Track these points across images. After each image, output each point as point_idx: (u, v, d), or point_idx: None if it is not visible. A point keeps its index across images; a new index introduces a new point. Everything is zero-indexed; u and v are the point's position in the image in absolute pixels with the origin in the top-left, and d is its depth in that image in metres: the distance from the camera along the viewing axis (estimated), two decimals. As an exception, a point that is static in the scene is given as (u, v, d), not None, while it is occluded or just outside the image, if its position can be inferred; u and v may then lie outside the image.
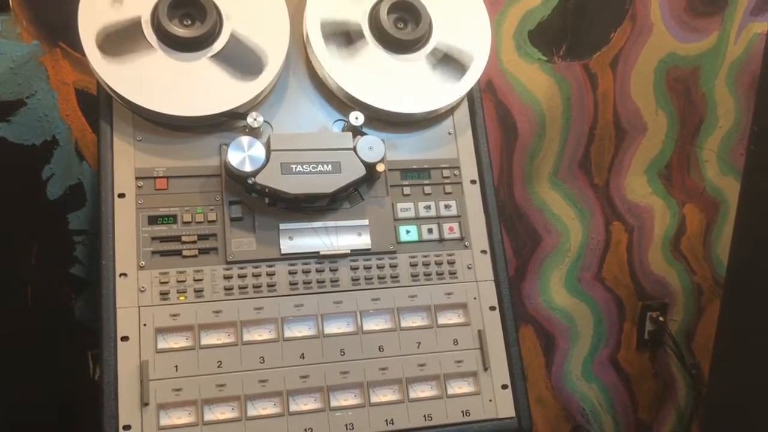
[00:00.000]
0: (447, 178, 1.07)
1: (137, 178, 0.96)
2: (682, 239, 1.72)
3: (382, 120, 1.05)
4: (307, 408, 0.93)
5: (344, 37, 1.03)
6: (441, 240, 1.04)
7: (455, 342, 1.00)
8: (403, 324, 0.99)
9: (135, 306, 0.92)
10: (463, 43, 1.08)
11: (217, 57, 0.97)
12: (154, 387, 0.89)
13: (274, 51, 1.00)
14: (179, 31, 0.95)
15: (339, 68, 1.02)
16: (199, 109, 0.96)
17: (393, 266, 1.01)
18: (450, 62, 1.07)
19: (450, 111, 1.09)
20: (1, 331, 1.28)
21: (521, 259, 1.61)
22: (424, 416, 0.96)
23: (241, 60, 0.98)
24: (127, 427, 0.87)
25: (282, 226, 0.98)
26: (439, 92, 1.06)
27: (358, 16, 1.04)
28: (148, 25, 0.96)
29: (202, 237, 0.96)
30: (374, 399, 0.95)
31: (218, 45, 0.98)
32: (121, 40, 0.95)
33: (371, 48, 1.04)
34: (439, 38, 1.07)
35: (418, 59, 1.06)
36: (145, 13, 0.96)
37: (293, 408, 0.93)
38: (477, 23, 1.09)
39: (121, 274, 0.92)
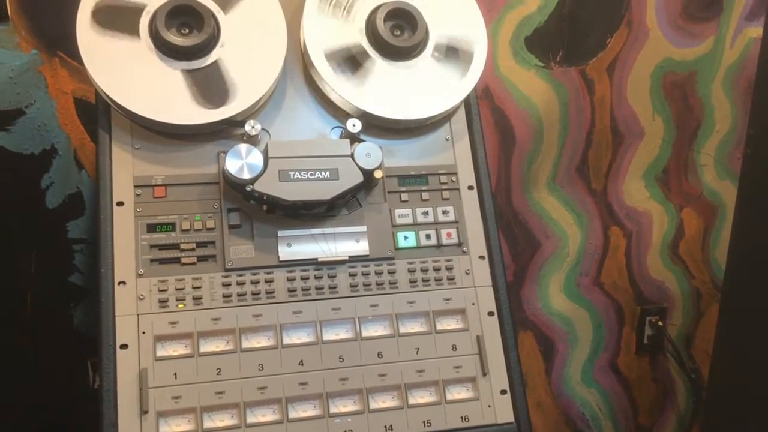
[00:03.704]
0: (444, 184, 1.07)
1: (136, 186, 0.96)
2: (681, 243, 1.72)
3: (379, 127, 1.05)
4: (307, 415, 0.93)
5: (351, 62, 1.03)
6: (439, 246, 1.04)
7: (454, 348, 1.00)
8: (402, 330, 0.99)
9: (134, 314, 0.92)
10: (461, 32, 1.09)
11: (191, 73, 0.97)
12: (154, 395, 0.89)
13: (254, 85, 0.99)
14: (168, 35, 0.96)
15: (356, 92, 1.02)
16: (196, 117, 0.96)
17: (391, 272, 1.01)
18: (455, 54, 1.07)
19: (447, 117, 1.10)
20: (0, 340, 1.28)
21: (520, 265, 1.61)
22: (424, 422, 0.96)
23: (210, 87, 0.97)
24: (126, 435, 0.87)
25: (280, 233, 0.98)
26: (451, 88, 1.06)
27: (357, 37, 1.05)
28: (145, 29, 0.96)
29: (201, 244, 0.96)
30: (373, 405, 0.95)
31: (198, 63, 0.98)
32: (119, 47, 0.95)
33: (379, 63, 1.05)
34: (438, 33, 1.08)
35: (422, 62, 1.06)
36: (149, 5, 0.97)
37: (292, 415, 0.93)
38: (469, 14, 1.10)
39: (119, 282, 0.92)
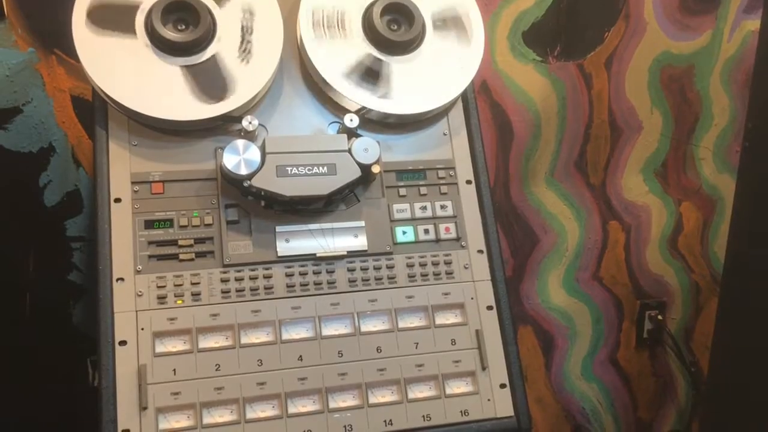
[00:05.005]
0: (443, 178, 1.07)
1: (133, 183, 0.96)
2: (679, 237, 1.72)
3: (377, 122, 1.05)
4: (306, 410, 0.93)
5: (368, 73, 1.03)
6: (437, 240, 1.04)
7: (453, 342, 1.00)
8: (401, 325, 0.99)
9: (132, 310, 0.92)
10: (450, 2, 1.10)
11: (189, 69, 0.97)
12: (153, 391, 0.89)
13: (252, 79, 0.99)
14: (169, 33, 0.96)
15: (375, 100, 1.03)
16: (196, 113, 0.96)
17: (390, 267, 1.01)
18: (454, 24, 1.08)
19: (444, 112, 1.10)
20: (-1, 339, 1.28)
21: (519, 260, 1.61)
22: (423, 416, 0.96)
23: (209, 81, 0.97)
24: (126, 431, 0.87)
25: (278, 228, 0.98)
26: (444, 85, 1.06)
27: (364, 47, 1.04)
28: (141, 27, 0.96)
29: (199, 240, 0.96)
30: (373, 400, 0.95)
31: (196, 59, 0.97)
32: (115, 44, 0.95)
33: (392, 67, 1.05)
34: (432, 10, 1.08)
35: (418, 56, 1.06)
36: (144, 3, 0.97)
37: (292, 410, 0.93)
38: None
39: (118, 279, 0.92)
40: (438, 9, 1.09)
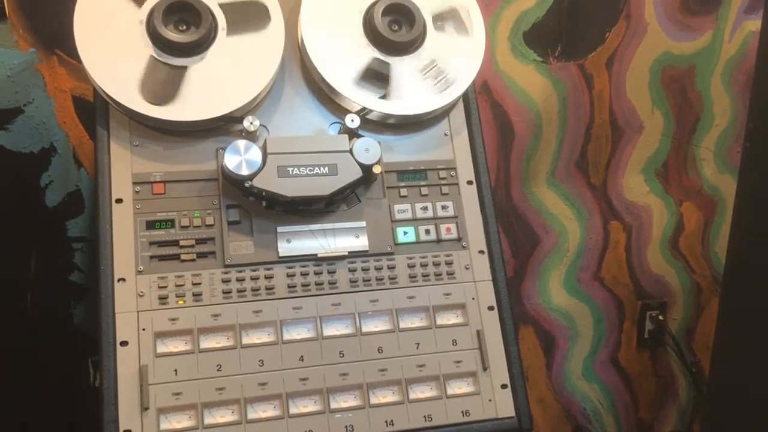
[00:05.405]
0: (444, 179, 1.07)
1: (134, 183, 0.96)
2: (681, 238, 1.72)
3: (378, 122, 1.05)
4: (307, 410, 0.93)
5: (369, 74, 1.04)
6: (438, 241, 1.04)
7: (454, 342, 1.00)
8: (402, 325, 0.99)
9: (134, 311, 0.92)
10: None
11: (194, 68, 0.97)
12: (154, 391, 0.89)
13: (253, 77, 0.99)
14: (174, 36, 0.96)
15: (376, 101, 1.03)
16: (194, 114, 0.96)
17: (391, 267, 1.01)
18: (452, 18, 1.08)
19: (445, 112, 1.10)
20: (0, 339, 1.28)
21: (520, 260, 1.61)
22: (424, 417, 0.96)
23: (216, 79, 0.97)
24: (127, 431, 0.87)
25: (279, 229, 0.98)
26: (455, 71, 1.07)
27: (369, 51, 1.04)
28: (143, 28, 0.96)
29: (200, 241, 0.96)
30: (374, 400, 0.95)
31: (200, 58, 0.97)
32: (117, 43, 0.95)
33: (393, 67, 1.05)
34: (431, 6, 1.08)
35: (419, 56, 1.06)
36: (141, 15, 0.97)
37: (293, 410, 0.93)
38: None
39: (119, 279, 0.92)
40: (438, 10, 1.09)
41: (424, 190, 1.06)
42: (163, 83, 0.95)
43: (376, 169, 1.00)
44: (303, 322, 0.96)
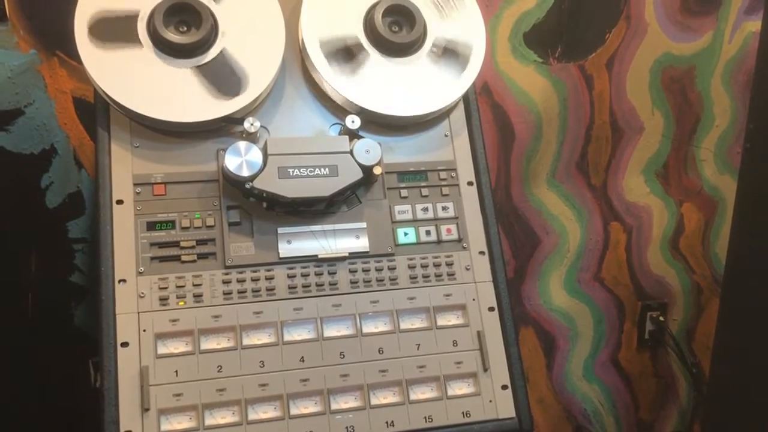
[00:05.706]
0: (444, 180, 1.07)
1: (135, 185, 0.96)
2: (681, 238, 1.72)
3: (378, 123, 1.05)
4: (308, 411, 0.93)
5: (345, 52, 1.03)
6: (439, 242, 1.04)
7: (455, 343, 1.00)
8: (403, 326, 0.99)
9: (134, 312, 0.92)
10: (460, 32, 1.09)
11: (201, 69, 0.97)
12: (155, 392, 0.89)
13: (262, 71, 0.99)
14: (171, 36, 0.96)
15: (346, 84, 1.02)
16: (195, 115, 0.96)
17: (391, 268, 1.01)
18: (453, 55, 1.08)
19: (446, 113, 1.10)
20: (0, 340, 1.28)
21: (520, 261, 1.61)
22: (425, 418, 0.96)
23: (223, 77, 0.97)
24: (128, 432, 0.87)
25: (280, 230, 0.98)
26: (445, 87, 1.06)
27: (354, 29, 1.05)
28: (145, 36, 0.96)
29: (201, 242, 0.96)
30: (374, 401, 0.96)
31: (205, 58, 0.98)
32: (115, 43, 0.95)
33: (374, 58, 1.05)
34: (436, 34, 1.08)
35: (419, 58, 1.06)
36: (142, 11, 0.97)
37: (294, 411, 0.93)
38: (469, 14, 1.10)
39: (120, 280, 0.92)
40: (446, 36, 1.08)
41: (425, 191, 1.06)
42: (164, 84, 0.95)
43: (377, 170, 1.00)
44: (303, 323, 0.96)
